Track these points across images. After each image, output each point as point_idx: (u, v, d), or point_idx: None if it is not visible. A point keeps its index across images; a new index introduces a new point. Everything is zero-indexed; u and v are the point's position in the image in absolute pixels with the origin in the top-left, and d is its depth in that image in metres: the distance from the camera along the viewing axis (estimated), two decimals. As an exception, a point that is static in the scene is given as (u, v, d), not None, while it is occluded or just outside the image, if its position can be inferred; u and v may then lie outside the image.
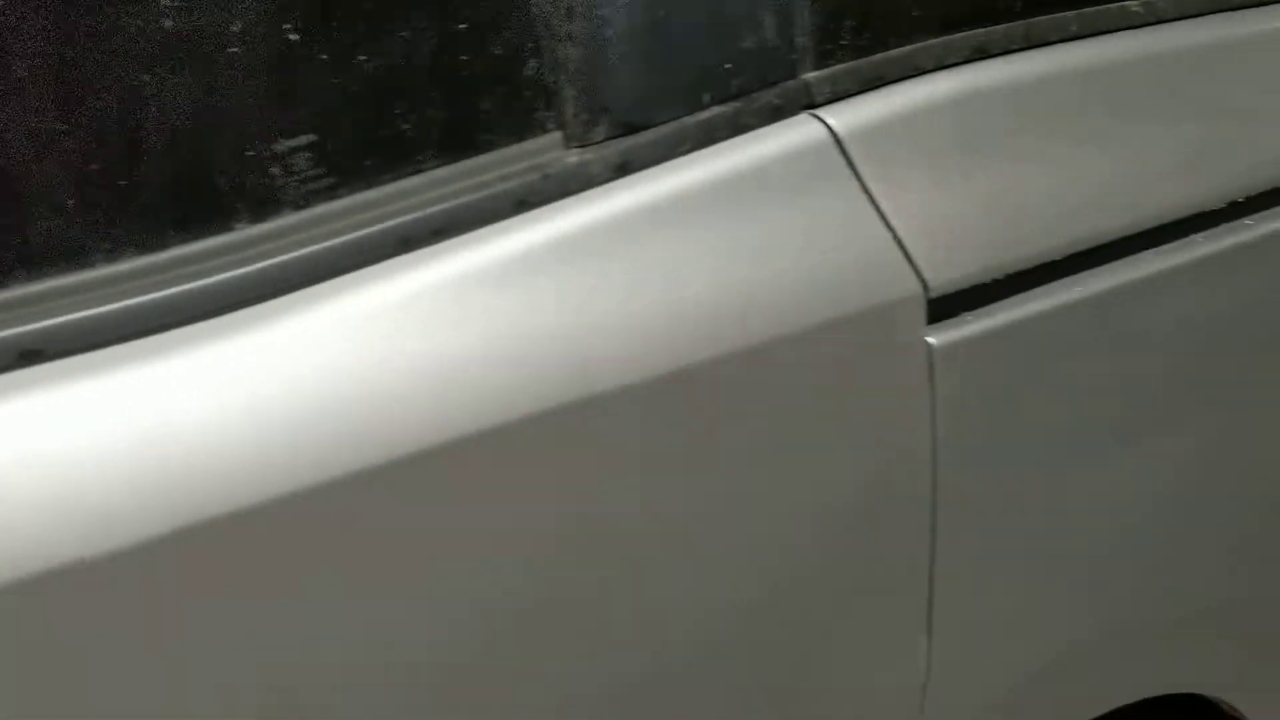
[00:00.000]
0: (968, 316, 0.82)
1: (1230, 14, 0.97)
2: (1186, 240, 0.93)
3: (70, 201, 0.59)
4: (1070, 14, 0.90)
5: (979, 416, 0.82)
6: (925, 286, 0.79)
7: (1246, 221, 0.98)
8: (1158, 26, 0.94)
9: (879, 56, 0.81)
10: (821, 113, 0.78)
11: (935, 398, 0.80)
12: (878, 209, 0.78)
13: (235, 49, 0.60)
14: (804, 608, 0.78)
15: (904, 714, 0.84)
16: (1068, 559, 0.89)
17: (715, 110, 0.74)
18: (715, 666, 0.76)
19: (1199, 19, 0.96)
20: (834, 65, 0.79)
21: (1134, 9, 0.94)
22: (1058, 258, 0.85)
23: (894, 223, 0.79)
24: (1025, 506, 0.86)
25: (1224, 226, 0.96)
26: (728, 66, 0.74)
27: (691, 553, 0.73)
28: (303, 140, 0.61)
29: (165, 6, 0.58)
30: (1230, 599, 1.00)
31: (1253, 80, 0.98)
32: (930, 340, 0.79)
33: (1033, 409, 0.85)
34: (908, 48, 0.82)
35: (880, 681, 0.83)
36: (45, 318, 0.60)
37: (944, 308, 0.80)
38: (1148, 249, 0.90)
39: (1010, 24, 0.87)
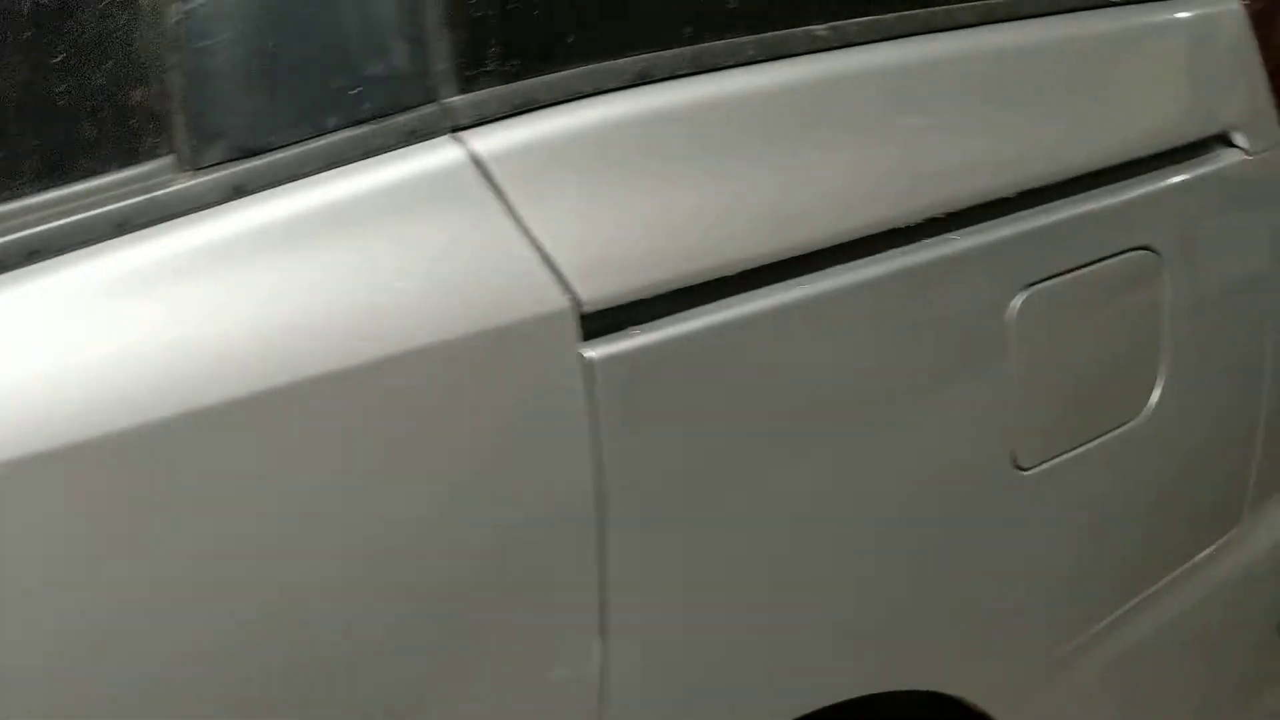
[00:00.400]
0: (634, 331, 0.84)
1: (919, 38, 1.01)
2: (882, 255, 0.97)
3: None
4: (747, 39, 0.93)
5: (647, 427, 0.85)
6: (577, 302, 0.81)
7: (952, 236, 1.02)
8: (845, 50, 0.98)
9: (532, 81, 0.83)
10: (464, 135, 0.80)
11: (597, 409, 0.82)
12: (524, 229, 0.81)
13: None
14: (468, 613, 0.80)
15: (580, 714, 0.86)
16: (751, 564, 0.91)
17: (344, 134, 0.76)
18: (377, 671, 0.78)
19: (887, 43, 1.00)
20: (479, 90, 0.81)
21: (820, 34, 0.97)
22: (728, 274, 0.88)
23: (542, 242, 0.81)
24: (703, 514, 0.88)
25: (925, 241, 1.00)
26: (355, 91, 0.76)
27: (341, 563, 0.75)
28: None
29: None
30: (932, 601, 1.02)
31: (941, 99, 1.02)
32: (587, 354, 0.82)
33: (705, 419, 0.87)
34: (564, 73, 0.85)
35: (554, 683, 0.84)
36: None
37: (603, 323, 0.83)
38: (839, 264, 0.94)
39: (679, 49, 0.90)
